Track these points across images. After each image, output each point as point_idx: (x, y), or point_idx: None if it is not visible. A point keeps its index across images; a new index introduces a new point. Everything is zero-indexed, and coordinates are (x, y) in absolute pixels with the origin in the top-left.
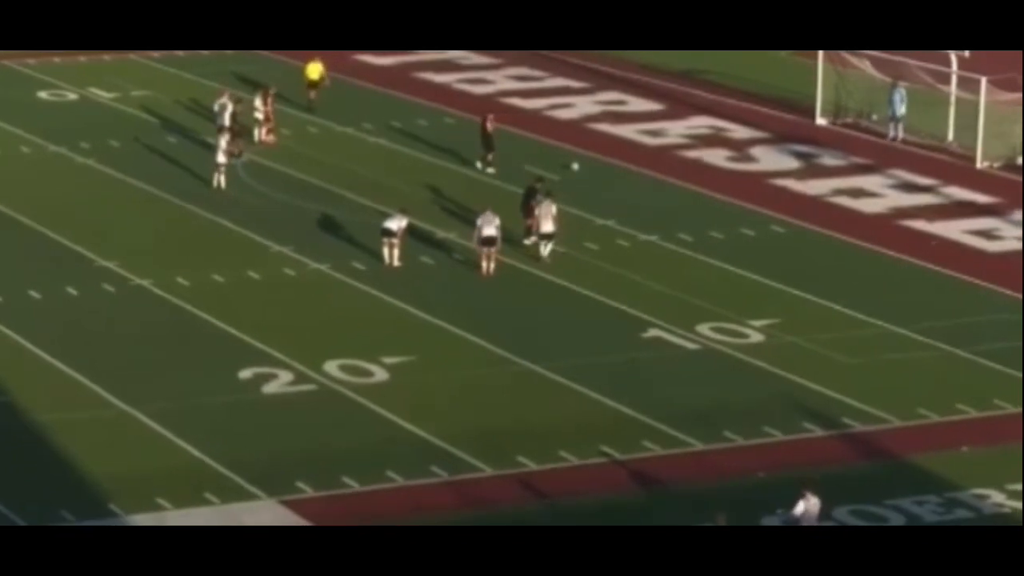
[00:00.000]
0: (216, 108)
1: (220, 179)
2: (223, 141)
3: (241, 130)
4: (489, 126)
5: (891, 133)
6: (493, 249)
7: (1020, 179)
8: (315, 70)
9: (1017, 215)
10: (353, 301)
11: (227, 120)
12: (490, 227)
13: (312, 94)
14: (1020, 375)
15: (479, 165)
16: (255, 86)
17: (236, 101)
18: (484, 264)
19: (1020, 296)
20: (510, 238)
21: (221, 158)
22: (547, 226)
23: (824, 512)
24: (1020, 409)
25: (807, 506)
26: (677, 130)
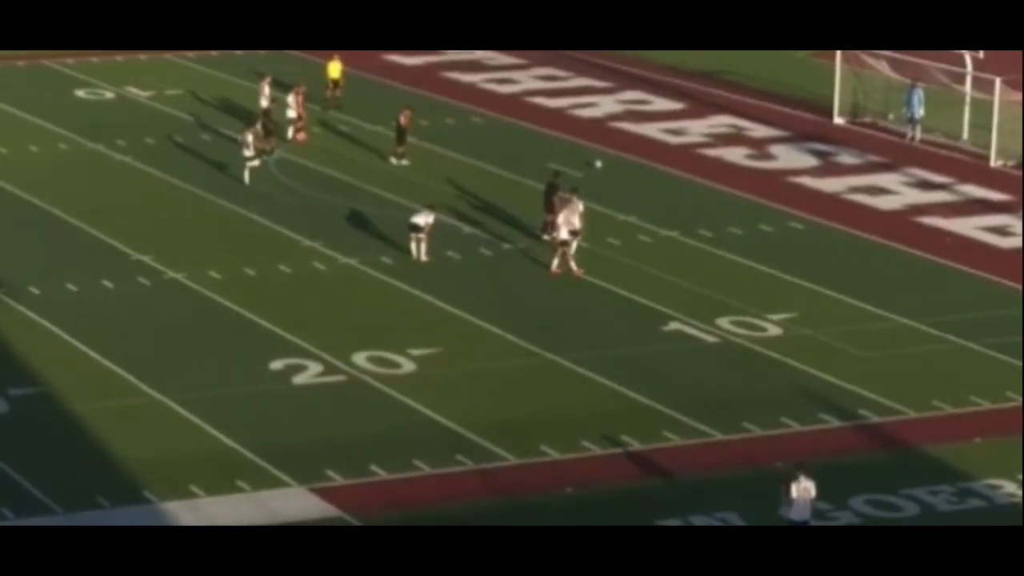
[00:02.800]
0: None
1: (250, 174)
2: (249, 136)
3: (274, 127)
4: (403, 120)
5: (909, 133)
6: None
7: None
8: (335, 69)
9: None
10: (381, 294)
11: (265, 103)
12: (563, 230)
13: (334, 92)
14: None
15: (392, 160)
16: (287, 86)
17: (271, 100)
18: (562, 262)
19: None
20: (531, 232)
21: (247, 152)
22: (574, 223)
23: (819, 496)
24: None
25: (798, 490)
26: (698, 129)
